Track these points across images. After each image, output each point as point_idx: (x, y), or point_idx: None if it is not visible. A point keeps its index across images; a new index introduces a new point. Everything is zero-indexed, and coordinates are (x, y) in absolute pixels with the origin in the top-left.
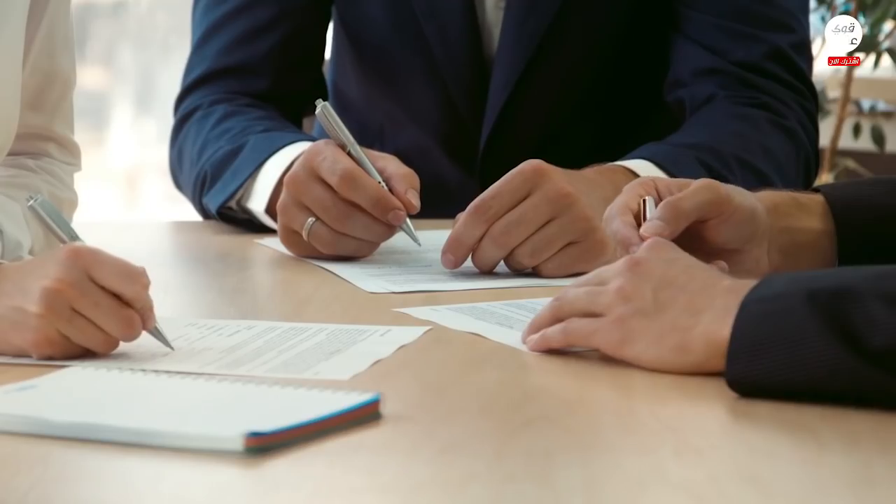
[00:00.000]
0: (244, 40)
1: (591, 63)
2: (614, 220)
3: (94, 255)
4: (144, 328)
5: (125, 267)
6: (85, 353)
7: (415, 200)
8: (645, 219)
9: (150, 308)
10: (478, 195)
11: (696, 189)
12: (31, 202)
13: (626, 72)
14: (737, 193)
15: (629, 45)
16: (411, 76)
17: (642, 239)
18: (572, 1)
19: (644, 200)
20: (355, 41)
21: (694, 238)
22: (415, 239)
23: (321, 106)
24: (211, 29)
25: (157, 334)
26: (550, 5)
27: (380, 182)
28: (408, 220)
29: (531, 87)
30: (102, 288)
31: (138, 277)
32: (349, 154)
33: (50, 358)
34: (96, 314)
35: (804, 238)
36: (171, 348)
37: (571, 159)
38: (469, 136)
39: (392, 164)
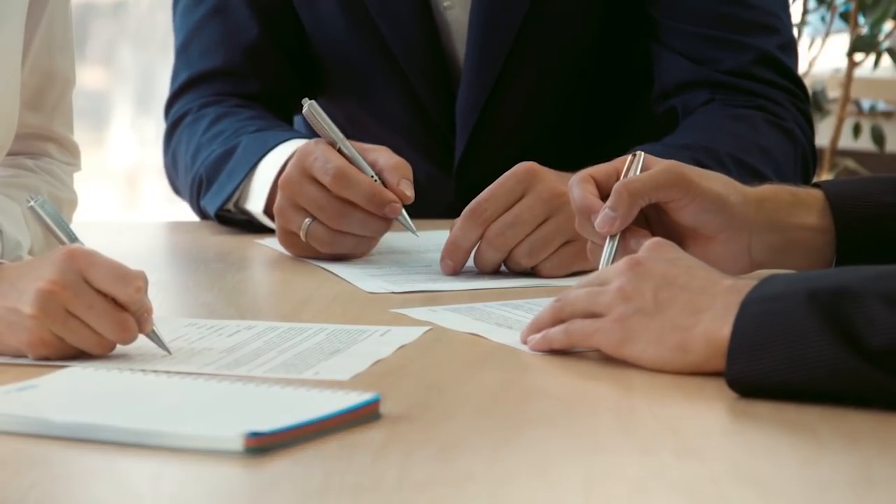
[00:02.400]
0: (223, 42)
1: (563, 71)
2: (574, 187)
3: (90, 258)
4: (140, 331)
5: (120, 270)
6: (81, 354)
7: (408, 191)
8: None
9: (147, 311)
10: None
11: (654, 172)
12: (31, 202)
13: (600, 77)
14: (705, 178)
15: (601, 50)
16: (373, 77)
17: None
18: (539, 9)
19: (634, 155)
20: (318, 43)
21: (664, 218)
22: (411, 229)
23: (308, 104)
24: (191, 32)
25: (154, 338)
26: (516, 15)
27: (372, 177)
28: (403, 211)
29: (504, 99)
30: (98, 290)
31: (133, 280)
32: (340, 151)
33: (46, 358)
34: (90, 316)
35: (799, 235)
36: (168, 352)
37: (553, 164)
38: (437, 129)
39: (383, 156)
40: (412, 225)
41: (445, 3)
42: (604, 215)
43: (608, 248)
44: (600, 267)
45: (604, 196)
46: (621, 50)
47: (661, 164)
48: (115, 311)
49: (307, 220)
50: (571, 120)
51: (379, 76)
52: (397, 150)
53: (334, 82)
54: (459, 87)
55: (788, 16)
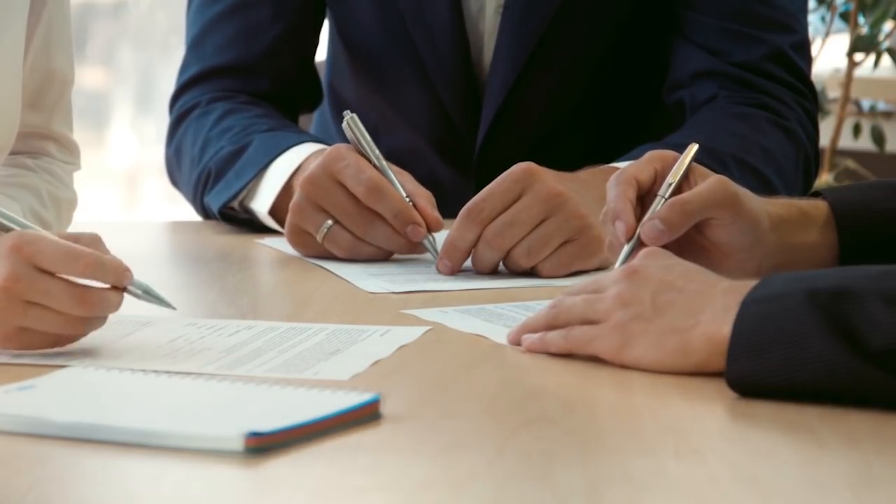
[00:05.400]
0: (240, 39)
1: (587, 66)
2: (613, 186)
3: (35, 245)
4: (120, 286)
5: (68, 249)
6: (57, 340)
7: (439, 217)
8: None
9: (119, 268)
10: (473, 196)
11: (707, 191)
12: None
13: (622, 74)
14: (746, 198)
15: (626, 48)
16: (402, 80)
17: (640, 239)
18: (570, 5)
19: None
20: (347, 44)
21: (691, 230)
22: (436, 256)
23: (349, 118)
24: (206, 27)
25: (151, 298)
26: (547, 9)
27: (405, 197)
28: (430, 237)
29: (527, 91)
30: (52, 273)
31: (80, 257)
32: (373, 165)
33: (19, 349)
34: (49, 300)
35: (804, 255)
36: (173, 308)
37: (568, 161)
38: (462, 139)
39: (410, 182)
40: (438, 253)
41: (500, 10)
42: (652, 226)
43: (628, 247)
44: (616, 264)
45: (640, 195)
46: (641, 53)
47: (712, 181)
48: (73, 289)
49: (328, 223)
50: (587, 122)
51: (406, 80)
52: (420, 151)
53: (363, 80)
54: (485, 97)
55: (806, 18)
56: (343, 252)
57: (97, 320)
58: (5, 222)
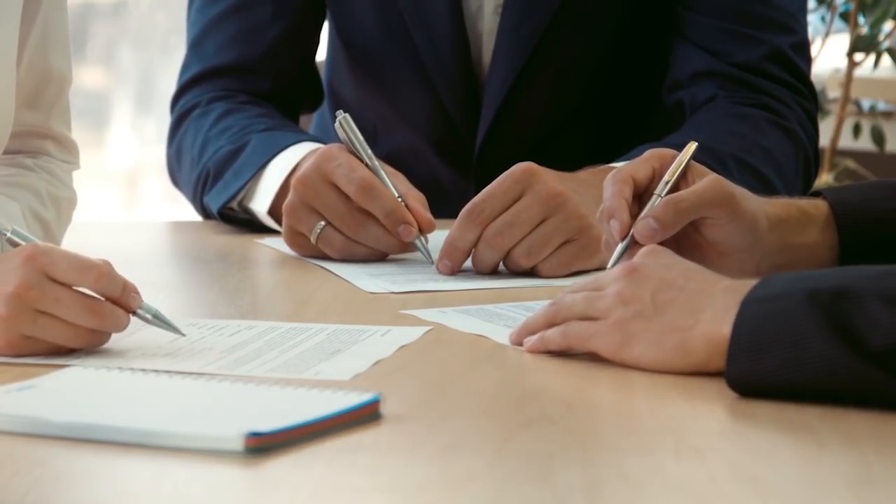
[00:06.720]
0: (241, 39)
1: (587, 66)
2: (609, 185)
3: (49, 255)
4: (128, 310)
5: (81, 261)
6: (58, 350)
7: (430, 218)
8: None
9: (129, 290)
10: (473, 196)
11: (702, 190)
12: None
13: (621, 74)
14: (743, 198)
15: (625, 48)
16: (402, 81)
17: (634, 238)
18: (568, 5)
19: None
20: (347, 44)
21: (687, 227)
22: (428, 257)
23: (341, 118)
24: (207, 27)
25: (161, 323)
26: (546, 9)
27: (398, 197)
28: (422, 238)
29: (526, 91)
30: (64, 284)
31: (92, 268)
32: (365, 165)
33: (19, 356)
34: (58, 309)
35: (805, 255)
36: (183, 334)
37: (568, 161)
38: (462, 139)
39: (402, 183)
40: (430, 253)
41: (500, 10)
42: (645, 224)
43: (622, 245)
44: (610, 263)
45: (637, 194)
46: (640, 54)
47: (708, 180)
48: (85, 299)
49: (320, 224)
50: (587, 122)
51: (406, 80)
52: (420, 152)
53: (362, 80)
54: (485, 97)
55: (805, 18)
56: (336, 253)
57: (102, 335)
58: (17, 239)
